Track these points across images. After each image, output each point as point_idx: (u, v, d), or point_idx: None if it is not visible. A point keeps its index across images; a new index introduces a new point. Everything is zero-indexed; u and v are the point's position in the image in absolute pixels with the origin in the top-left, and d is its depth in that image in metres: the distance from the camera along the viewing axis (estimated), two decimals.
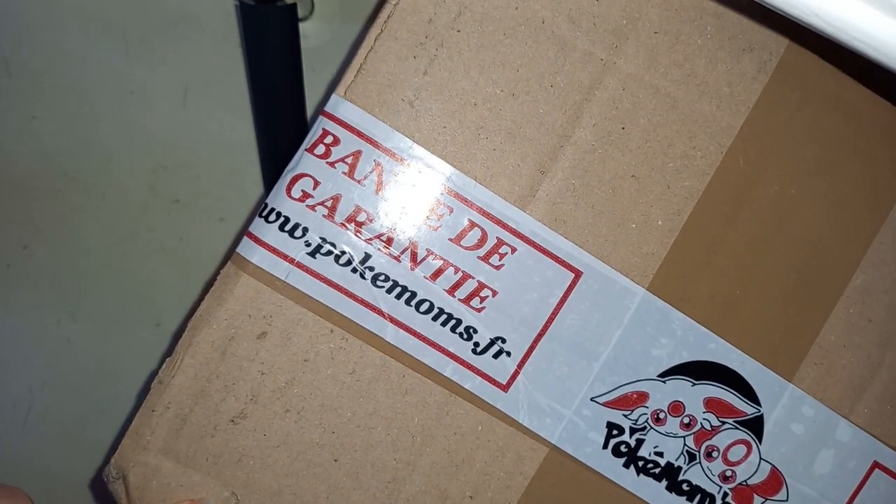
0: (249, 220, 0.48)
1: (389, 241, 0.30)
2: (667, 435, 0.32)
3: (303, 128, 0.48)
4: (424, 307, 0.31)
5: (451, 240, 0.30)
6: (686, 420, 0.32)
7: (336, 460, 0.31)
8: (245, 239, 0.30)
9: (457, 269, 0.31)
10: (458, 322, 0.31)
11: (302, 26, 0.47)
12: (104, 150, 0.49)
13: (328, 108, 0.30)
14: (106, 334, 0.50)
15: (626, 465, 0.32)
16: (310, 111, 0.48)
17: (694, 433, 0.32)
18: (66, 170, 0.49)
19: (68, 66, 0.48)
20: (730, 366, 0.32)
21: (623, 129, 0.31)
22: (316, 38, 0.49)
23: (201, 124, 0.49)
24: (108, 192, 0.49)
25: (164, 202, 0.50)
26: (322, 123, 0.30)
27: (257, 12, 0.44)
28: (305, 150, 0.30)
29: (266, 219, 0.30)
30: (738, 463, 0.32)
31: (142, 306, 0.50)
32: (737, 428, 0.32)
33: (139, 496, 0.31)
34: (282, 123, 0.47)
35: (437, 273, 0.31)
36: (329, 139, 0.30)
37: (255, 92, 0.48)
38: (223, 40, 0.48)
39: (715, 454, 0.32)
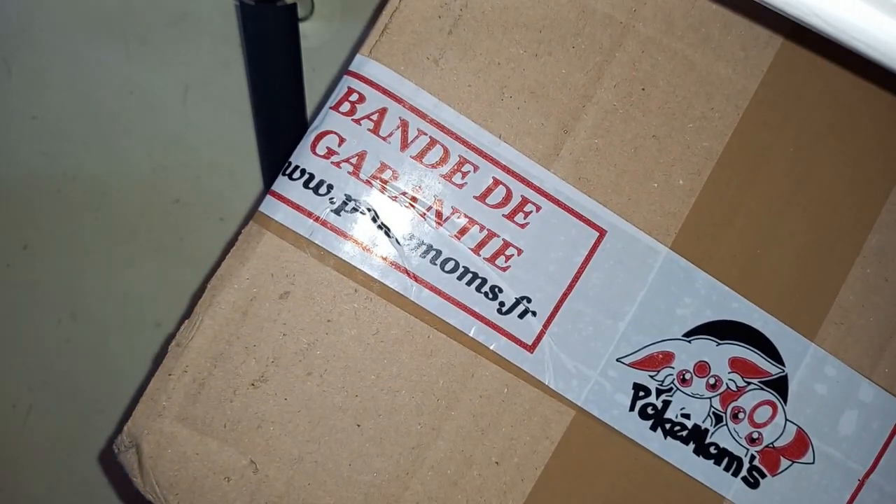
0: (249, 221, 0.48)
1: (414, 200, 0.30)
2: (693, 396, 0.32)
3: (303, 128, 0.48)
4: (450, 266, 0.30)
5: (476, 197, 0.30)
6: (712, 381, 0.32)
7: (359, 425, 0.31)
8: (268, 197, 0.30)
9: (482, 228, 0.30)
10: (484, 281, 0.31)
11: (302, 26, 0.47)
12: (104, 150, 0.49)
13: (353, 67, 0.30)
14: (106, 334, 0.49)
15: (654, 428, 0.32)
16: (310, 111, 0.48)
17: (720, 394, 0.32)
18: (66, 170, 0.49)
19: (68, 66, 0.48)
20: (753, 325, 0.32)
21: (643, 90, 0.31)
22: (316, 38, 0.49)
23: (201, 124, 0.49)
24: (108, 192, 0.49)
25: (164, 202, 0.49)
26: (347, 82, 0.30)
27: (257, 12, 0.44)
28: (330, 107, 0.30)
29: (290, 176, 0.30)
30: (765, 425, 0.32)
31: (142, 306, 0.49)
32: (762, 388, 0.32)
33: (153, 466, 0.30)
34: (282, 123, 0.47)
35: (463, 231, 0.30)
36: (354, 97, 0.30)
37: (255, 92, 0.48)
38: (223, 40, 0.48)
39: (741, 415, 0.32)
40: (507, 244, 0.31)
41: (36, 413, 0.50)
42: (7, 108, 0.48)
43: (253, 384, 0.30)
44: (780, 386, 0.32)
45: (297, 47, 0.46)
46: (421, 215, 0.30)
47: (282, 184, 0.30)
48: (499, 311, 0.31)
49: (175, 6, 0.48)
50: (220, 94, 0.49)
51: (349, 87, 0.30)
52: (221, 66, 0.49)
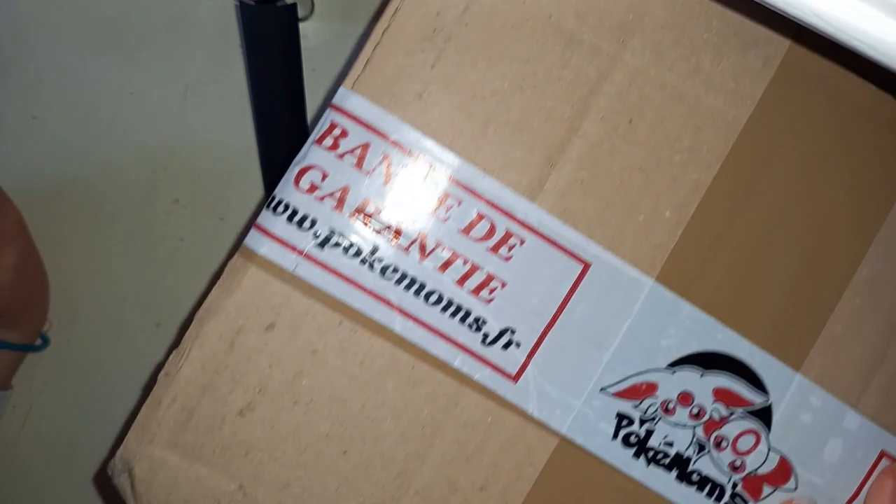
0: (249, 220, 0.48)
1: (398, 233, 0.30)
2: (676, 425, 0.32)
3: (303, 128, 0.48)
4: (433, 298, 0.31)
5: (460, 231, 0.31)
6: (695, 410, 0.32)
7: (345, 452, 0.31)
8: (253, 230, 0.31)
9: (466, 261, 0.31)
10: (468, 313, 0.31)
11: (302, 26, 0.47)
12: (104, 150, 0.49)
13: (336, 101, 0.30)
14: (106, 334, 0.50)
15: (636, 456, 0.32)
16: (310, 111, 0.48)
17: (703, 423, 0.32)
18: (66, 170, 0.49)
19: (68, 67, 0.48)
20: (738, 356, 0.32)
21: (630, 122, 0.31)
22: (316, 38, 0.49)
23: (201, 124, 0.49)
24: (108, 192, 0.49)
25: (164, 202, 0.50)
26: (330, 116, 0.30)
27: (257, 12, 0.44)
28: (314, 142, 0.30)
29: (274, 210, 0.30)
30: (748, 453, 0.32)
31: (142, 306, 0.50)
32: (746, 418, 0.32)
33: (145, 490, 0.31)
34: (282, 123, 0.48)
35: (446, 265, 0.31)
36: (337, 131, 0.30)
37: (255, 92, 0.48)
38: (223, 40, 0.48)
39: (724, 444, 0.32)
40: (490, 277, 0.31)
41: (36, 413, 0.51)
42: (7, 108, 0.48)
43: (241, 412, 0.31)
44: (764, 415, 0.32)
45: (297, 47, 0.46)
46: (405, 249, 0.30)
47: (266, 218, 0.30)
48: (482, 342, 0.31)
49: (174, 7, 0.48)
50: (220, 94, 0.49)
51: (332, 122, 0.30)
52: (221, 66, 0.49)
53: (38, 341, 0.49)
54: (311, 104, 0.48)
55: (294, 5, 0.44)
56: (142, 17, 0.48)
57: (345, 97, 0.30)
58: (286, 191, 0.30)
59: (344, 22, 0.48)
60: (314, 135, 0.30)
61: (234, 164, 0.49)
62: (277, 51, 0.45)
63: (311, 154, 0.30)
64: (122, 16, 0.48)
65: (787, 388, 0.32)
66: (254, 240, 0.30)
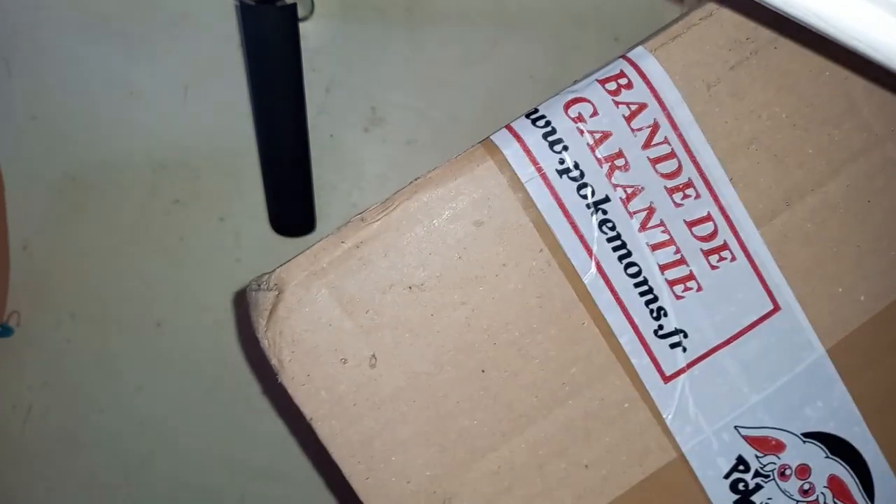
0: (250, 220, 0.47)
1: (632, 196, 0.31)
2: (784, 493, 0.32)
3: (303, 128, 0.47)
4: (632, 270, 0.31)
5: (685, 222, 0.31)
6: (807, 486, 0.32)
7: (483, 371, 0.31)
8: (503, 130, 0.31)
9: (678, 250, 0.31)
10: (655, 298, 0.31)
11: (302, 26, 0.47)
12: (104, 150, 0.49)
13: (632, 55, 0.31)
14: (106, 334, 0.49)
15: None
16: (310, 111, 0.48)
17: (807, 502, 0.32)
18: (66, 170, 0.49)
19: (68, 66, 0.48)
20: (864, 455, 0.32)
21: (868, 202, 0.32)
22: (316, 38, 0.49)
23: (201, 124, 0.49)
24: (108, 192, 0.49)
25: (164, 202, 0.49)
26: (621, 65, 0.31)
27: (257, 12, 0.44)
28: (597, 80, 0.31)
29: (534, 122, 0.30)
30: None
31: (142, 306, 0.49)
32: None
33: (285, 315, 0.30)
34: (282, 123, 0.47)
35: (660, 245, 0.31)
36: (624, 81, 0.31)
37: (255, 92, 0.48)
38: (223, 40, 0.48)
39: None
40: (692, 276, 0.31)
41: (36, 413, 0.50)
42: (7, 108, 0.48)
43: (411, 288, 0.30)
44: None
45: (297, 47, 0.46)
46: (630, 213, 0.31)
47: (522, 124, 0.31)
48: (655, 332, 0.31)
49: (175, 6, 0.48)
50: (220, 94, 0.49)
51: (622, 71, 0.31)
52: (221, 66, 0.49)
53: None
54: (311, 104, 0.48)
55: (294, 5, 0.45)
56: (142, 18, 0.48)
57: (642, 56, 0.31)
58: (554, 110, 0.30)
59: (344, 22, 0.48)
60: (600, 74, 0.31)
61: (234, 164, 0.49)
62: (277, 51, 0.45)
63: (591, 89, 0.31)
64: (123, 16, 0.48)
65: None
66: (502, 138, 0.30)
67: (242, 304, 0.48)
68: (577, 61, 0.47)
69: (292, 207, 0.49)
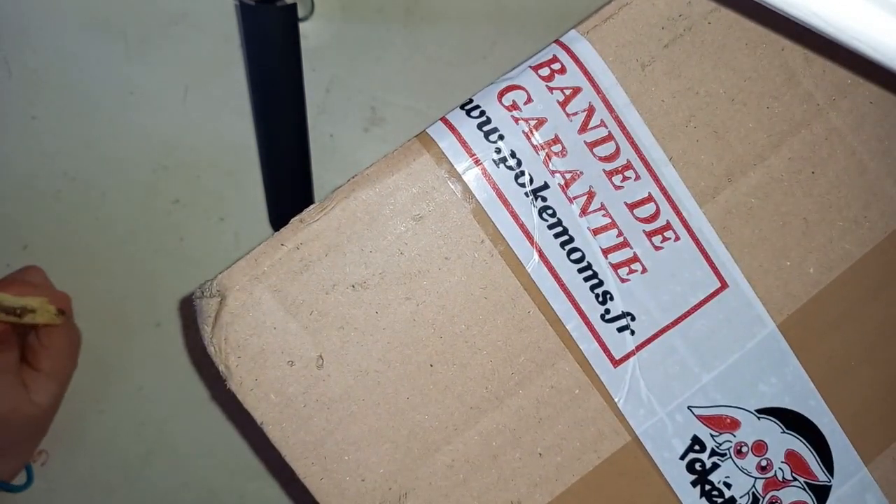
0: (250, 220, 0.47)
1: (571, 182, 0.31)
2: (741, 470, 0.32)
3: (303, 128, 0.47)
4: (575, 256, 0.31)
5: (626, 204, 0.31)
6: (764, 462, 0.32)
7: (432, 365, 0.31)
8: (439, 123, 0.31)
9: (620, 233, 0.31)
10: (600, 283, 0.31)
11: (302, 26, 0.47)
12: (104, 150, 0.48)
13: (564, 39, 0.31)
14: (106, 334, 0.49)
15: (694, 484, 0.32)
16: (310, 111, 0.48)
17: (766, 479, 0.32)
18: (66, 170, 0.49)
19: (68, 66, 0.48)
20: (821, 429, 0.32)
21: (812, 173, 0.32)
22: (316, 38, 0.49)
23: (201, 124, 0.49)
24: (108, 192, 0.49)
25: (164, 202, 0.49)
26: (554, 50, 0.31)
27: (257, 12, 0.43)
28: (530, 66, 0.31)
29: (468, 112, 0.30)
30: None
31: (142, 306, 0.49)
32: (804, 489, 0.32)
33: (229, 321, 0.30)
34: (282, 123, 0.47)
35: (601, 230, 0.31)
36: (557, 66, 0.30)
37: (255, 92, 0.48)
38: (223, 40, 0.48)
39: None
40: (635, 258, 0.31)
41: None
42: (7, 108, 0.48)
43: (353, 286, 0.30)
44: (821, 493, 0.33)
45: (297, 47, 0.46)
46: (570, 199, 0.31)
47: (457, 116, 0.30)
48: (602, 316, 0.31)
49: (175, 6, 0.48)
50: (220, 94, 0.48)
51: (555, 55, 0.31)
52: (221, 66, 0.48)
53: (22, 479, 0.48)
54: (311, 104, 0.48)
55: (294, 5, 0.44)
56: (142, 18, 0.47)
57: (574, 39, 0.31)
58: (487, 100, 0.30)
59: (344, 22, 0.48)
60: (532, 61, 0.31)
61: (234, 164, 0.49)
62: (277, 51, 0.45)
63: (524, 76, 0.30)
64: (123, 16, 0.47)
65: (851, 477, 0.33)
66: (437, 131, 0.30)
67: (187, 311, 0.49)
68: None
69: (292, 207, 0.49)
